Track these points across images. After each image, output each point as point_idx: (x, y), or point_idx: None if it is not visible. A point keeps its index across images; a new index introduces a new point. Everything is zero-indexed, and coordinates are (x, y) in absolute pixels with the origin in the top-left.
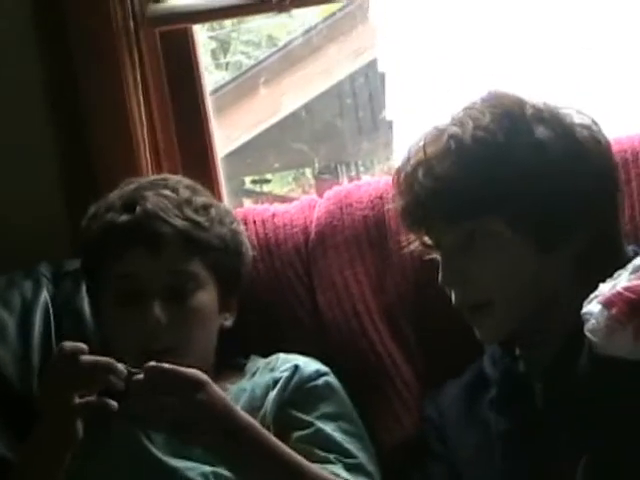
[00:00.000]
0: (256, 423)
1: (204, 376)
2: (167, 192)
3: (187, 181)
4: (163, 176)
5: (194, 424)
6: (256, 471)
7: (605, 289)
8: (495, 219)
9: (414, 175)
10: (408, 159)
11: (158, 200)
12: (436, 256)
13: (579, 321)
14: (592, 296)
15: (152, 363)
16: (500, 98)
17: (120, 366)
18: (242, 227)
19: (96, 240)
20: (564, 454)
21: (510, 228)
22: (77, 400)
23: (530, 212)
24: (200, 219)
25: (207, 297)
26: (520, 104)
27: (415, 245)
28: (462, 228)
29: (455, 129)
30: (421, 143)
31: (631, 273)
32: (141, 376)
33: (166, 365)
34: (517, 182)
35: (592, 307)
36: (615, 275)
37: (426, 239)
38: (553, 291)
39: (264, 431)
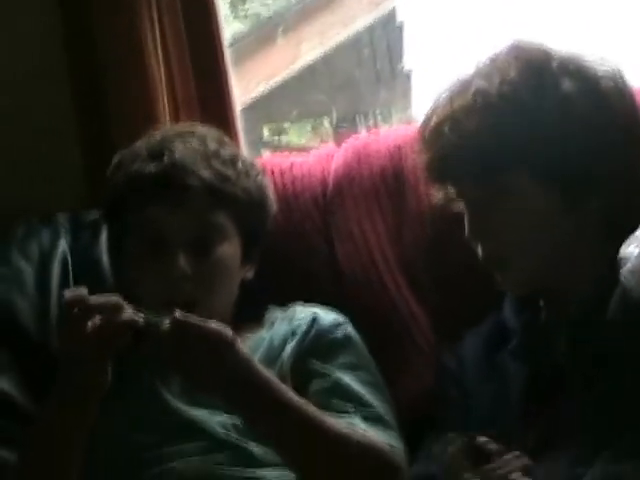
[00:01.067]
0: (273, 376)
1: (231, 334)
2: (194, 142)
3: (214, 132)
4: (190, 126)
5: (215, 376)
6: (272, 424)
7: None
8: (521, 174)
9: (440, 130)
10: (433, 112)
11: (186, 151)
12: (459, 208)
13: (605, 275)
14: (630, 239)
15: (179, 315)
16: (526, 50)
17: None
18: (267, 180)
19: (122, 189)
20: (583, 403)
21: (536, 183)
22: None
23: (555, 167)
24: (227, 172)
25: (231, 249)
26: (546, 56)
27: (438, 197)
28: (488, 184)
29: (482, 83)
30: (447, 96)
31: None
32: (167, 325)
33: (195, 319)
34: (543, 138)
35: (630, 250)
36: None
37: (450, 191)
38: (577, 245)
39: (281, 384)
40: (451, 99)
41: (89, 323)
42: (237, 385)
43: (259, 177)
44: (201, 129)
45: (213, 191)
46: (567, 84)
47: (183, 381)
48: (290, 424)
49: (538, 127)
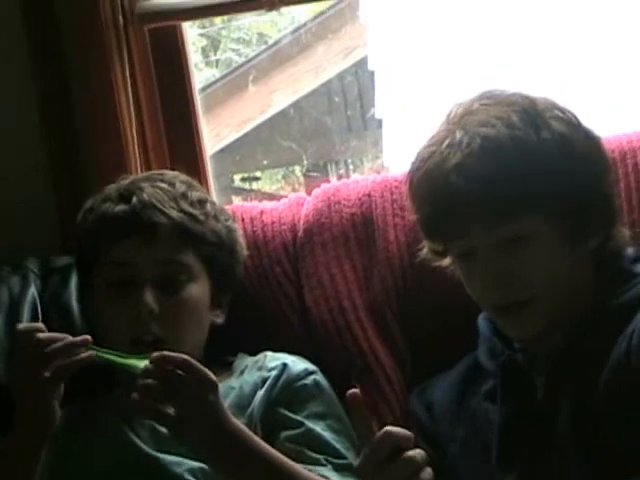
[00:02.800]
0: (243, 426)
1: (214, 377)
2: (163, 185)
3: (183, 177)
4: (160, 171)
5: (192, 420)
6: (242, 474)
7: None
8: (535, 218)
9: (447, 181)
10: (423, 166)
11: (154, 191)
12: (442, 263)
13: (586, 315)
14: None
15: (167, 352)
16: (509, 96)
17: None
18: (237, 226)
19: (92, 229)
20: (562, 444)
21: (548, 225)
22: (46, 374)
23: (564, 207)
24: (195, 212)
25: (199, 290)
26: (530, 101)
27: (424, 253)
28: (505, 230)
29: (485, 130)
30: (439, 149)
31: None
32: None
33: (185, 357)
34: (550, 179)
35: None
36: None
37: (435, 246)
38: (579, 285)
39: (252, 434)
40: (456, 150)
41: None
42: (212, 431)
43: (229, 222)
44: (170, 173)
45: (181, 230)
46: (556, 125)
47: (158, 422)
48: (261, 475)
49: (544, 168)
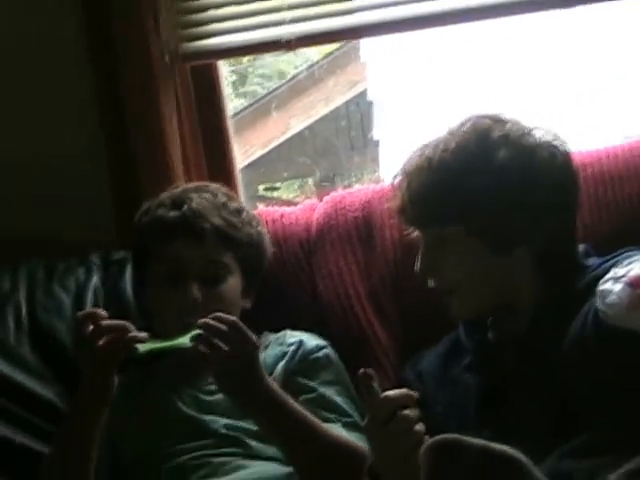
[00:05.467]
0: (277, 385)
1: (255, 337)
2: (208, 196)
3: (224, 189)
4: (205, 183)
5: (236, 372)
6: (276, 422)
7: (622, 272)
8: (456, 227)
9: (400, 185)
10: (400, 171)
11: (201, 201)
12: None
13: (539, 305)
14: (607, 277)
15: (219, 314)
16: (474, 124)
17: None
18: (265, 229)
19: (148, 230)
20: (527, 405)
21: (468, 235)
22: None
23: (485, 223)
24: (234, 220)
25: (234, 284)
26: (488, 129)
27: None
28: (431, 231)
29: (429, 151)
30: (408, 160)
31: None
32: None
33: (234, 318)
34: (473, 199)
35: (612, 286)
36: (625, 262)
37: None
38: (510, 284)
39: (283, 392)
40: (408, 163)
41: (99, 341)
42: (253, 384)
43: (259, 227)
44: (213, 186)
45: (222, 235)
46: (502, 154)
47: (213, 372)
48: (291, 423)
49: (467, 190)
